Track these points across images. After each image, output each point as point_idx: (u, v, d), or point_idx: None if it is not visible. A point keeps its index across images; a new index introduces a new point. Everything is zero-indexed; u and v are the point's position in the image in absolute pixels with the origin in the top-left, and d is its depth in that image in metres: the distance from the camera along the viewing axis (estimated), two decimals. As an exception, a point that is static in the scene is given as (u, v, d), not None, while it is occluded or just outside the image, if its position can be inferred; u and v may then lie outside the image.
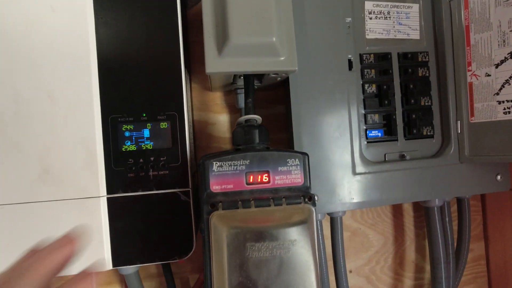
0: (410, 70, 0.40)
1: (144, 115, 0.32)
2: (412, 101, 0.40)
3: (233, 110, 0.44)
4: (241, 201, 0.26)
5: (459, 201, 0.45)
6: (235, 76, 0.36)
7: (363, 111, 0.40)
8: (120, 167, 0.31)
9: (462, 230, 0.45)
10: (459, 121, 0.40)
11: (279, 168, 0.29)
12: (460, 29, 0.40)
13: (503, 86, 0.37)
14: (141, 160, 0.32)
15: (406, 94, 0.40)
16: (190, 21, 0.43)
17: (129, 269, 0.36)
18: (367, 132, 0.40)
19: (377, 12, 0.40)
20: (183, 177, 0.32)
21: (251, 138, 0.31)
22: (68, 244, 0.20)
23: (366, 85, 0.40)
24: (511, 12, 0.36)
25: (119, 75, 0.31)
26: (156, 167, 0.32)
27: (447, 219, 0.43)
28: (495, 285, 0.51)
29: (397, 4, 0.41)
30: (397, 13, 0.41)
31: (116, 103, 0.31)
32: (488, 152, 0.38)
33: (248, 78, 0.33)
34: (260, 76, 0.36)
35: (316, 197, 0.35)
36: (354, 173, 0.38)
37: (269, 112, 0.44)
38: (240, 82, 0.38)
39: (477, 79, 0.39)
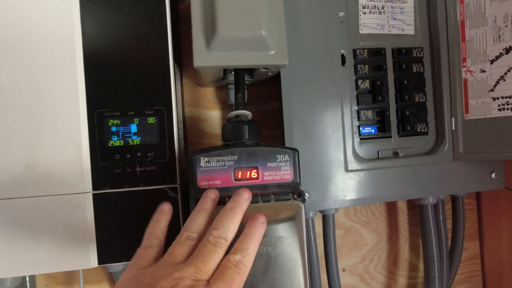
0: (404, 66, 0.40)
1: (131, 109, 0.31)
2: (406, 97, 0.40)
3: (225, 106, 0.43)
4: (228, 198, 0.26)
5: (454, 199, 0.44)
6: (225, 70, 0.35)
7: (356, 107, 0.39)
8: (106, 163, 0.31)
9: (456, 229, 0.45)
10: (453, 118, 0.40)
11: (268, 164, 0.28)
12: (455, 24, 0.39)
13: (497, 82, 0.36)
14: (128, 156, 0.31)
15: (400, 90, 0.40)
16: (181, 15, 0.42)
17: (117, 267, 0.35)
18: (360, 128, 0.39)
19: (371, 6, 0.40)
20: (171, 173, 0.31)
21: (240, 134, 0.30)
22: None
23: (360, 81, 0.39)
24: (506, 7, 0.35)
25: (106, 68, 0.31)
26: (144, 163, 0.31)
27: (441, 217, 0.43)
28: (490, 284, 0.51)
29: (391, -2, 0.40)
30: (392, 8, 0.40)
31: (103, 98, 0.31)
32: (482, 150, 0.38)
33: (238, 72, 0.33)
34: (251, 71, 0.35)
35: (307, 194, 0.35)
36: (347, 170, 0.37)
37: (262, 108, 0.44)
38: (231, 77, 0.37)
39: (472, 75, 0.38)
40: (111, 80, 0.31)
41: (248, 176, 0.28)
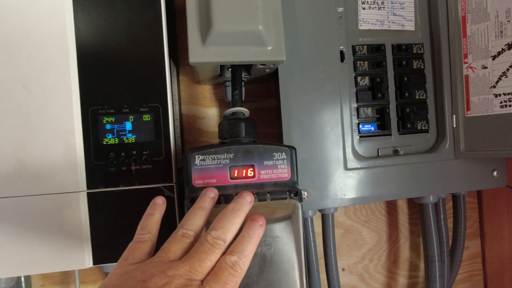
0: (404, 62, 0.39)
1: (126, 107, 0.31)
2: (407, 94, 0.39)
3: (223, 103, 0.42)
4: (223, 196, 0.25)
5: (455, 197, 0.44)
6: (222, 67, 0.35)
7: (355, 105, 0.38)
8: (100, 161, 0.30)
9: (457, 228, 0.44)
10: (454, 115, 0.39)
11: (265, 162, 0.27)
12: (456, 20, 0.38)
13: (500, 78, 0.36)
14: (122, 154, 0.30)
15: (400, 87, 0.39)
16: (178, 11, 0.41)
17: (113, 267, 0.35)
18: (360, 126, 0.38)
19: (371, 2, 0.39)
20: (167, 171, 0.31)
21: (237, 131, 0.29)
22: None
23: (359, 78, 0.38)
24: (509, 1, 0.34)
25: (100, 65, 0.30)
26: (139, 161, 0.31)
27: (442, 216, 0.42)
28: (491, 284, 0.50)
29: (391, -6, 0.39)
30: (392, 3, 0.40)
31: (97, 95, 0.30)
32: (484, 147, 0.37)
33: (235, 69, 0.32)
34: (248, 67, 0.34)
35: (305, 193, 0.34)
36: (346, 168, 0.36)
37: (260, 106, 0.43)
38: (228, 74, 0.36)
39: (474, 71, 0.38)
40: (105, 77, 0.30)
41: (244, 175, 0.27)
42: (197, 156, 0.27)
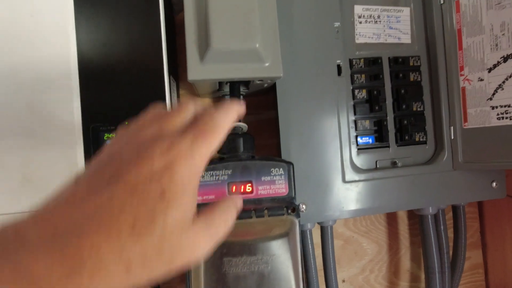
0: (401, 74, 0.39)
1: (127, 123, 0.31)
2: (404, 106, 0.39)
3: (222, 116, 0.43)
4: (222, 213, 0.26)
5: (454, 208, 0.44)
6: (221, 82, 0.35)
7: (353, 117, 0.39)
8: (101, 177, 0.30)
9: (458, 238, 0.44)
10: (452, 127, 0.39)
11: (263, 178, 0.28)
12: (452, 32, 0.39)
13: (496, 91, 0.36)
14: (122, 170, 0.31)
15: (397, 100, 0.39)
16: (178, 27, 0.42)
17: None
18: (358, 138, 0.39)
19: (367, 16, 0.40)
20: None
21: (235, 147, 0.30)
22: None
23: (356, 91, 0.39)
24: (503, 15, 0.35)
25: (101, 82, 0.31)
26: (138, 176, 0.31)
27: (442, 227, 0.42)
28: (494, 294, 0.50)
29: (387, 8, 0.40)
30: (388, 17, 0.40)
31: (98, 112, 0.31)
32: (482, 159, 0.37)
33: (234, 85, 0.33)
34: (246, 83, 0.35)
35: (303, 206, 0.34)
36: (344, 181, 0.37)
37: (259, 118, 0.43)
38: (227, 89, 0.37)
39: (470, 83, 0.38)
40: (106, 95, 0.31)
41: (242, 190, 0.27)
42: (195, 173, 0.27)
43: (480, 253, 0.50)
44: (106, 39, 0.31)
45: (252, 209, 0.26)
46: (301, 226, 0.36)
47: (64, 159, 0.30)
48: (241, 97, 0.35)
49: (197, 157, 0.16)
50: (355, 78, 0.39)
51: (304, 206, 0.35)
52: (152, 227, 0.14)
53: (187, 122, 0.17)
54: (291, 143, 0.36)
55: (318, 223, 0.38)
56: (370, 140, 0.39)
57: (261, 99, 0.43)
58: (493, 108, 0.36)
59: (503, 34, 0.35)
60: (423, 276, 0.48)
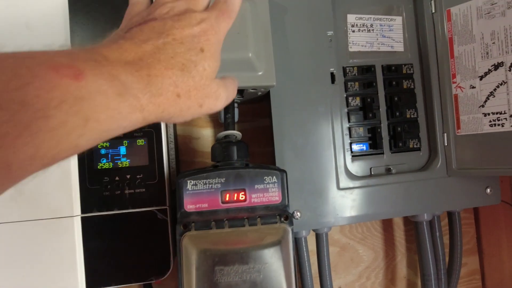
0: (394, 82, 0.40)
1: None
2: (398, 113, 0.40)
3: (218, 124, 0.43)
4: (214, 221, 0.26)
5: (450, 214, 0.44)
6: (215, 91, 0.35)
7: (347, 125, 0.39)
8: (95, 186, 0.31)
9: (453, 244, 0.44)
10: (445, 134, 0.39)
11: (256, 186, 0.28)
12: (443, 41, 0.39)
13: (487, 98, 0.36)
14: (117, 178, 0.31)
15: (391, 107, 0.40)
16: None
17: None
18: (352, 145, 0.39)
19: (360, 25, 0.40)
20: (160, 195, 0.31)
21: (228, 155, 0.30)
22: None
23: (350, 98, 0.39)
24: (493, 24, 0.35)
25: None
26: (132, 185, 0.31)
27: (437, 233, 0.42)
28: (491, 301, 0.50)
29: (380, 17, 0.41)
30: (380, 25, 0.41)
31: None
32: (475, 165, 0.38)
33: (227, 93, 0.33)
34: (240, 91, 0.35)
35: (298, 213, 0.35)
36: (339, 188, 0.37)
37: (255, 125, 0.44)
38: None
39: (462, 91, 0.38)
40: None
41: (235, 199, 0.27)
42: (189, 181, 0.27)
43: (476, 259, 0.50)
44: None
45: (245, 217, 0.26)
46: (295, 233, 0.36)
47: (57, 168, 0.30)
48: (236, 104, 0.36)
49: (221, 29, 0.22)
50: (349, 85, 0.39)
51: (298, 213, 0.35)
52: (195, 70, 0.20)
53: (209, 3, 0.23)
54: (285, 150, 0.36)
55: (313, 230, 0.38)
56: (365, 147, 0.39)
57: (256, 107, 0.43)
58: (485, 115, 0.37)
59: (493, 43, 0.35)
60: (419, 282, 0.48)
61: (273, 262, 0.23)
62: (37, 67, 0.15)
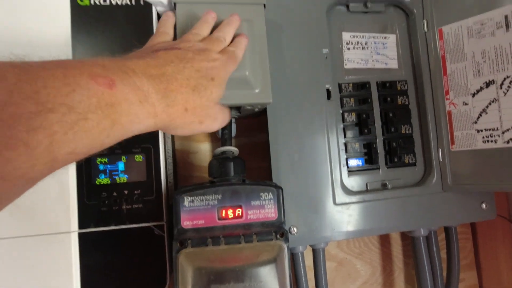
0: (389, 98, 0.41)
1: (119, 147, 0.32)
2: (393, 129, 0.40)
3: (215, 139, 0.44)
4: (211, 238, 0.26)
5: (447, 229, 0.44)
6: (213, 107, 0.36)
7: (343, 140, 0.40)
8: (93, 201, 0.31)
9: (451, 260, 0.44)
10: (440, 149, 0.40)
11: (252, 203, 0.28)
12: (436, 58, 0.40)
13: (480, 115, 0.37)
14: (114, 194, 0.31)
15: (386, 122, 0.40)
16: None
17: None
18: (348, 160, 0.39)
19: (355, 42, 0.41)
20: (157, 210, 0.32)
21: (225, 171, 0.30)
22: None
23: (346, 114, 0.40)
24: (483, 43, 0.36)
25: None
26: (130, 200, 0.31)
27: (434, 248, 0.42)
28: (490, 317, 0.49)
29: (374, 34, 0.42)
30: (375, 43, 0.42)
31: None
32: (470, 181, 0.38)
33: (225, 110, 0.34)
34: (237, 107, 0.36)
35: (294, 229, 0.35)
36: (335, 203, 0.37)
37: (252, 140, 0.44)
38: (219, 113, 0.38)
39: (455, 107, 0.39)
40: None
41: (231, 215, 0.28)
42: (186, 197, 0.28)
43: (474, 274, 0.50)
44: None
45: (241, 234, 0.26)
46: (292, 249, 0.36)
47: (55, 184, 0.30)
48: (233, 119, 0.36)
49: (228, 69, 0.27)
50: (345, 102, 0.40)
51: (295, 229, 0.36)
52: (204, 92, 0.24)
53: (223, 47, 0.28)
54: (281, 166, 0.36)
55: (310, 245, 0.38)
56: (360, 162, 0.40)
57: (253, 122, 0.44)
58: (478, 131, 0.37)
59: (485, 61, 0.36)
60: (418, 298, 0.47)
61: (269, 280, 0.23)
62: (79, 77, 0.18)
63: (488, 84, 0.36)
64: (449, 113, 0.40)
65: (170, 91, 0.22)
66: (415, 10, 0.41)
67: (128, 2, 0.32)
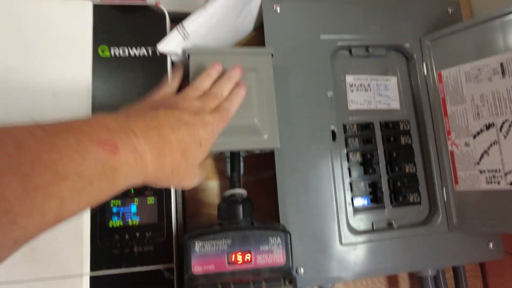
0: (392, 138, 0.42)
1: (132, 190, 0.33)
2: (397, 168, 0.41)
3: (224, 176, 0.45)
4: (221, 284, 0.26)
5: (454, 268, 0.44)
6: (222, 149, 0.37)
7: (348, 180, 0.40)
8: (105, 243, 0.32)
9: (460, 300, 0.43)
10: (444, 188, 0.41)
11: (261, 248, 0.29)
12: (437, 100, 0.42)
13: (482, 156, 0.38)
14: (126, 236, 0.32)
15: (390, 162, 0.41)
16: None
17: None
18: (354, 200, 0.40)
19: (358, 84, 0.43)
20: (167, 252, 0.32)
21: (234, 214, 0.31)
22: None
23: (351, 154, 0.41)
24: (481, 88, 0.38)
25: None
26: (141, 242, 0.32)
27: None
28: None
29: (376, 77, 0.44)
30: (377, 85, 0.44)
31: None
32: (476, 221, 0.38)
33: (234, 154, 0.35)
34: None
35: (301, 270, 0.35)
36: (341, 243, 0.37)
37: (259, 178, 0.45)
38: (228, 153, 0.39)
39: (458, 148, 0.40)
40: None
41: (241, 260, 0.28)
42: (197, 242, 0.28)
43: (486, 314, 0.49)
44: (118, 99, 0.34)
45: (251, 280, 0.27)
46: (300, 291, 0.36)
47: (70, 227, 0.31)
48: (241, 158, 0.38)
49: (218, 130, 0.29)
50: (349, 142, 0.41)
51: (302, 269, 0.36)
52: (190, 157, 0.26)
53: (219, 102, 0.30)
54: (288, 207, 0.37)
55: (317, 286, 0.38)
56: (366, 202, 0.40)
57: (260, 160, 0.45)
58: (481, 172, 0.38)
59: (483, 105, 0.38)
60: None
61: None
62: (89, 143, 0.19)
63: (488, 126, 0.37)
64: (452, 153, 0.41)
65: (163, 155, 0.24)
66: (415, 55, 0.43)
67: (145, 53, 0.35)
